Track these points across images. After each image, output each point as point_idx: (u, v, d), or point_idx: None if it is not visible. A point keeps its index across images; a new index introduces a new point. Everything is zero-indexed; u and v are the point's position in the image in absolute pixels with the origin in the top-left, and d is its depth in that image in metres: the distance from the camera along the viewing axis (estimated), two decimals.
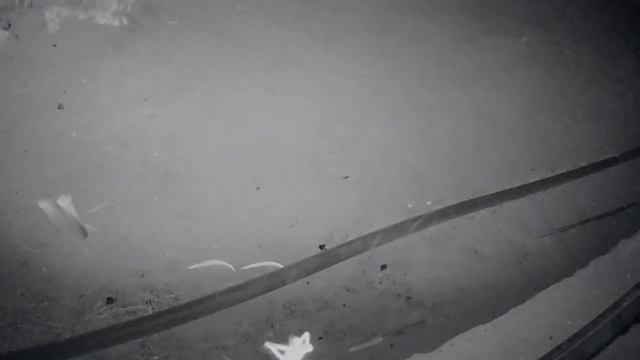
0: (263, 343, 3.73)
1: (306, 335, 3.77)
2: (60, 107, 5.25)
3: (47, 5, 6.30)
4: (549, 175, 5.54)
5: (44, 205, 3.79)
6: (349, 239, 4.41)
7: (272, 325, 3.86)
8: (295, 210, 4.70)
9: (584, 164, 5.79)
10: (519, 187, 5.28)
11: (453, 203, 4.91)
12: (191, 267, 4.09)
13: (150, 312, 3.77)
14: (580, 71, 7.42)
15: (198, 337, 3.71)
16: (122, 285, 3.93)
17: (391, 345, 3.85)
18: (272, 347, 3.72)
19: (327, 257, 4.22)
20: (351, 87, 6.22)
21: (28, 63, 5.75)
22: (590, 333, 3.31)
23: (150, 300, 3.85)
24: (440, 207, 4.85)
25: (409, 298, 4.18)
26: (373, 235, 4.38)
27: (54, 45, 5.98)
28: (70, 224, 4.00)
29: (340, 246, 4.29)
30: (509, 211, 5.10)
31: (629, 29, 8.85)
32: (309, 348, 3.74)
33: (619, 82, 7.45)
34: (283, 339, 3.76)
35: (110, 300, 3.80)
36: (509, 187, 5.23)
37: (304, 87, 6.05)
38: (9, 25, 6.07)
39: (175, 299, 3.90)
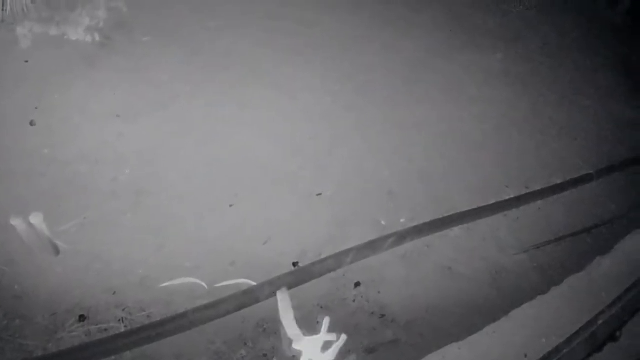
0: None
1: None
2: (32, 123, 5.26)
3: (19, 21, 6.31)
4: (523, 193, 5.62)
5: (15, 222, 3.82)
6: (323, 256, 4.44)
7: (245, 344, 3.89)
8: (268, 228, 4.74)
9: (558, 181, 5.87)
10: (493, 204, 5.35)
11: (427, 220, 4.95)
12: (163, 285, 4.11)
13: (123, 329, 3.79)
14: (554, 88, 7.53)
15: (170, 355, 3.73)
16: (95, 303, 3.93)
17: None
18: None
19: (300, 275, 4.24)
20: (323, 104, 6.29)
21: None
22: (564, 351, 3.34)
23: (122, 318, 3.87)
24: (414, 224, 4.90)
25: (382, 316, 4.22)
26: (346, 252, 4.42)
27: (26, 62, 5.98)
28: (42, 241, 4.02)
29: (313, 263, 4.32)
30: (483, 228, 5.17)
31: (603, 46, 8.98)
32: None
33: (593, 99, 7.56)
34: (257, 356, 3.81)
35: (82, 318, 3.82)
36: (483, 204, 5.29)
37: (276, 103, 6.11)
38: None
39: (148, 316, 3.91)
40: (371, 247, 4.55)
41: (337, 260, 4.38)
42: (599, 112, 7.40)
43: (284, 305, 3.86)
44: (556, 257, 5.08)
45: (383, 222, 4.99)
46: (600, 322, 3.56)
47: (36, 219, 3.86)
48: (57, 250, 4.17)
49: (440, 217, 5.05)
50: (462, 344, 3.44)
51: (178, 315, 3.80)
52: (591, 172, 6.11)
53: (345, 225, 4.91)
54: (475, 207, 5.24)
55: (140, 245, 4.40)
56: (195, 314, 3.81)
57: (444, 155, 5.95)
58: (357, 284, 4.40)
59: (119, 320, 3.87)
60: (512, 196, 5.54)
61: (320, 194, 5.16)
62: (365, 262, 4.51)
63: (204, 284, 4.15)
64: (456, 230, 5.06)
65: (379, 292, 4.38)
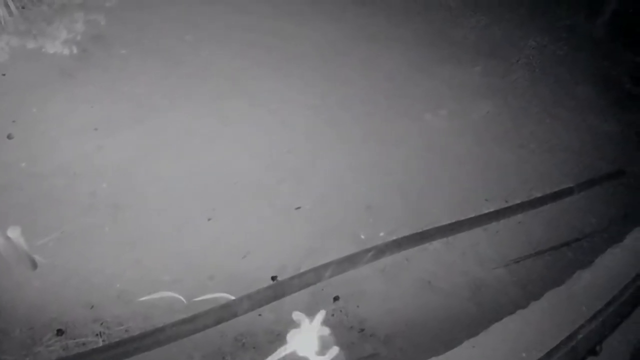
0: None
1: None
2: (9, 137, 5.27)
3: None
4: (503, 206, 5.65)
5: None
6: (301, 270, 4.47)
7: (224, 358, 3.91)
8: (247, 242, 4.76)
9: (538, 195, 5.91)
10: (473, 218, 5.38)
11: (406, 234, 4.98)
12: (142, 299, 4.12)
13: (101, 344, 3.80)
14: (534, 101, 7.58)
15: None
16: (72, 317, 3.94)
17: None
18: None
19: (279, 289, 4.28)
20: (302, 117, 6.30)
21: None
22: None
23: (100, 332, 3.88)
24: (394, 238, 4.93)
25: (361, 330, 4.25)
26: (325, 266, 4.45)
27: (3, 75, 5.98)
28: (20, 255, 4.03)
29: (292, 278, 4.35)
30: (463, 242, 5.21)
31: (583, 59, 9.06)
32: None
33: (574, 113, 7.62)
34: None
35: (60, 332, 3.83)
36: (462, 218, 5.33)
37: (255, 117, 6.12)
38: None
39: (126, 331, 3.93)
40: (350, 261, 4.58)
41: (316, 274, 4.41)
42: (580, 126, 7.46)
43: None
44: (536, 271, 5.10)
45: (362, 236, 5.02)
46: (580, 336, 3.55)
47: (13, 233, 3.87)
48: (34, 264, 4.18)
49: (420, 231, 5.07)
50: (441, 358, 3.44)
51: (156, 330, 3.82)
52: (571, 185, 6.15)
53: (324, 239, 4.93)
54: (454, 220, 5.27)
55: (118, 259, 4.40)
56: (173, 328, 3.84)
57: (423, 169, 5.98)
58: (336, 298, 4.42)
59: (97, 334, 3.88)
60: (491, 210, 5.56)
61: (299, 208, 5.18)
62: (344, 276, 4.54)
63: (182, 298, 4.17)
64: (435, 244, 5.09)
65: (358, 306, 4.41)
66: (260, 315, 4.19)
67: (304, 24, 8.00)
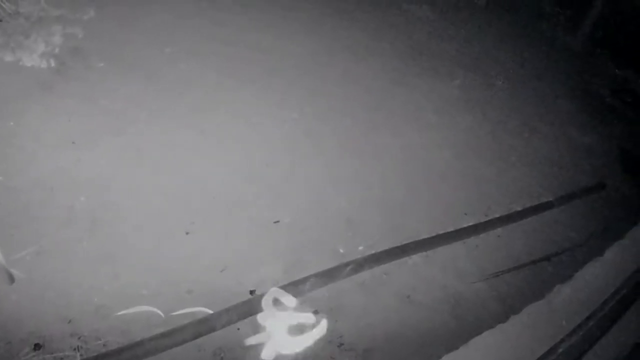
0: None
1: None
2: None
3: None
4: (482, 220, 5.73)
5: None
6: (280, 284, 4.49)
7: None
8: (225, 255, 4.76)
9: (518, 209, 5.99)
10: (452, 231, 5.45)
11: (385, 248, 5.04)
12: (120, 313, 4.11)
13: (79, 358, 3.79)
14: (514, 115, 7.67)
15: None
16: (50, 332, 3.92)
17: None
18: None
19: (257, 303, 4.30)
20: (281, 131, 6.33)
21: None
22: None
23: (78, 347, 3.88)
24: (373, 252, 4.99)
25: (340, 344, 4.27)
26: (304, 280, 4.49)
27: None
28: None
29: (271, 292, 4.37)
30: (442, 256, 5.26)
31: (563, 72, 9.15)
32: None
33: (553, 126, 7.72)
34: None
35: (37, 347, 3.83)
36: (442, 231, 5.41)
37: (233, 130, 6.13)
38: None
39: (104, 345, 3.92)
40: (329, 275, 4.62)
41: (295, 288, 4.44)
42: (559, 139, 7.55)
43: None
44: (516, 285, 5.17)
45: (341, 250, 5.04)
46: (560, 350, 3.58)
47: None
48: (12, 279, 4.17)
49: (399, 245, 5.13)
50: None
51: (134, 344, 3.83)
52: (551, 199, 6.23)
53: (303, 253, 4.94)
54: (434, 234, 5.36)
55: (96, 274, 4.38)
56: (151, 343, 3.85)
57: (402, 182, 6.05)
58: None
59: (75, 349, 3.87)
60: (471, 224, 5.64)
61: (277, 222, 5.20)
62: (323, 290, 4.58)
63: (160, 312, 4.17)
64: (415, 258, 5.14)
65: (336, 321, 4.43)
66: (238, 329, 4.20)
67: (282, 37, 8.06)
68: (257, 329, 4.20)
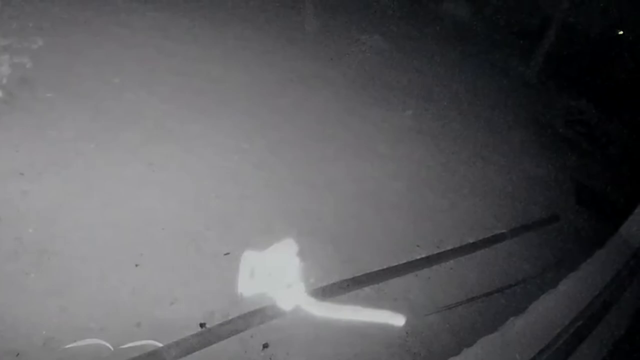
0: None
1: None
2: None
3: None
4: (435, 252, 5.80)
5: None
6: (230, 317, 4.49)
7: None
8: (174, 288, 4.75)
9: (471, 240, 6.07)
10: (405, 264, 5.49)
11: (337, 280, 5.08)
12: (68, 346, 4.09)
13: None
14: (466, 145, 7.79)
15: None
16: None
17: None
18: None
19: (207, 336, 4.30)
20: (231, 162, 6.35)
21: None
22: None
23: None
24: (324, 284, 5.03)
25: None
26: (254, 313, 4.50)
27: None
28: None
29: (221, 324, 4.38)
30: (395, 289, 5.31)
31: (516, 103, 9.30)
32: None
33: (506, 157, 7.85)
34: None
35: None
36: (394, 264, 5.45)
37: (182, 161, 6.14)
38: None
39: None
40: (280, 307, 4.64)
41: (245, 321, 4.45)
42: (512, 170, 7.68)
43: None
44: (469, 317, 5.24)
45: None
46: None
47: None
48: None
49: (350, 277, 5.16)
50: None
51: None
52: (504, 231, 6.33)
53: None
54: (385, 267, 5.39)
55: (44, 306, 4.35)
56: None
57: (354, 214, 6.11)
58: (266, 345, 4.45)
59: None
60: (423, 256, 5.70)
61: (227, 254, 5.20)
62: (273, 322, 4.58)
63: (109, 345, 4.15)
64: (367, 290, 5.16)
65: (287, 354, 4.44)
66: None
67: (233, 67, 8.11)
68: None
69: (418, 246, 5.84)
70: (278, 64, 8.53)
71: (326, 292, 4.92)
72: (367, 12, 11.75)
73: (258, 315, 4.48)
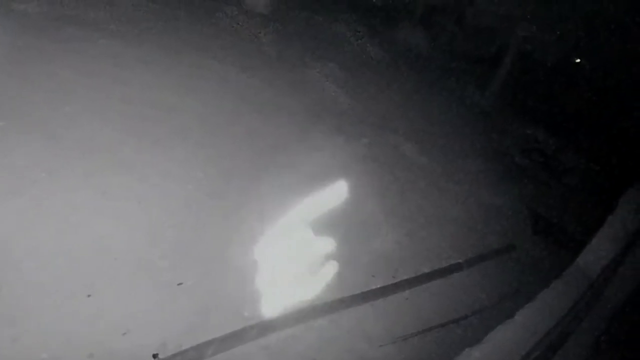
0: None
1: None
2: None
3: None
4: (390, 282, 5.81)
5: None
6: (183, 347, 4.46)
7: None
8: (127, 318, 4.73)
9: (426, 270, 6.11)
10: (359, 294, 5.49)
11: (291, 311, 5.10)
12: None
13: None
14: (422, 174, 7.87)
15: None
16: None
17: None
18: None
19: None
20: (184, 191, 6.35)
21: None
22: None
23: None
24: (278, 315, 5.05)
25: None
26: (208, 343, 4.47)
27: None
28: None
29: (174, 355, 4.35)
30: (349, 319, 5.32)
31: (473, 130, 9.41)
32: None
33: (462, 186, 7.95)
34: None
35: None
36: (348, 294, 5.45)
37: (135, 191, 6.11)
38: None
39: None
40: (234, 338, 4.63)
41: (198, 351, 4.44)
42: (469, 199, 7.78)
43: None
44: (424, 348, 5.28)
45: (246, 313, 5.07)
46: None
47: None
48: None
49: (304, 307, 5.18)
50: None
51: None
52: (460, 261, 6.39)
53: (207, 315, 4.96)
54: (340, 297, 5.39)
55: None
56: None
57: None
58: None
59: None
60: (378, 286, 5.70)
61: (181, 284, 5.19)
62: (228, 353, 4.55)
63: None
64: (321, 321, 5.18)
65: None
66: None
67: (186, 94, 8.08)
68: None
69: (373, 276, 5.87)
70: (232, 92, 8.53)
71: (280, 323, 4.94)
72: (322, 40, 11.83)
73: (212, 346, 4.47)
